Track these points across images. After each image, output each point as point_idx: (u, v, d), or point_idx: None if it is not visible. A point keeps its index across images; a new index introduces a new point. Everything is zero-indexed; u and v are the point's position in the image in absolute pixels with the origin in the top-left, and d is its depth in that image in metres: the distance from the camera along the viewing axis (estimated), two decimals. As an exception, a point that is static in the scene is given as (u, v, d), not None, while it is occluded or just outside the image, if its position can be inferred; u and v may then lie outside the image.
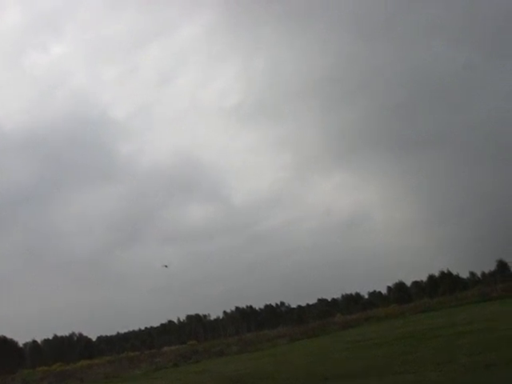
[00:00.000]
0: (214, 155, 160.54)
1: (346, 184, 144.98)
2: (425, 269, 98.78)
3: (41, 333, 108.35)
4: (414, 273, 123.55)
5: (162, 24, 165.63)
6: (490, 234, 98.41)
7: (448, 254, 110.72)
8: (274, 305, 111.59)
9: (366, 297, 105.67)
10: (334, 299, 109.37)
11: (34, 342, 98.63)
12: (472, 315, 30.69)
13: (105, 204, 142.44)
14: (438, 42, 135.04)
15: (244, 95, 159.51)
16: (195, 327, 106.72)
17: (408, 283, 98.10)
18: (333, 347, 27.68)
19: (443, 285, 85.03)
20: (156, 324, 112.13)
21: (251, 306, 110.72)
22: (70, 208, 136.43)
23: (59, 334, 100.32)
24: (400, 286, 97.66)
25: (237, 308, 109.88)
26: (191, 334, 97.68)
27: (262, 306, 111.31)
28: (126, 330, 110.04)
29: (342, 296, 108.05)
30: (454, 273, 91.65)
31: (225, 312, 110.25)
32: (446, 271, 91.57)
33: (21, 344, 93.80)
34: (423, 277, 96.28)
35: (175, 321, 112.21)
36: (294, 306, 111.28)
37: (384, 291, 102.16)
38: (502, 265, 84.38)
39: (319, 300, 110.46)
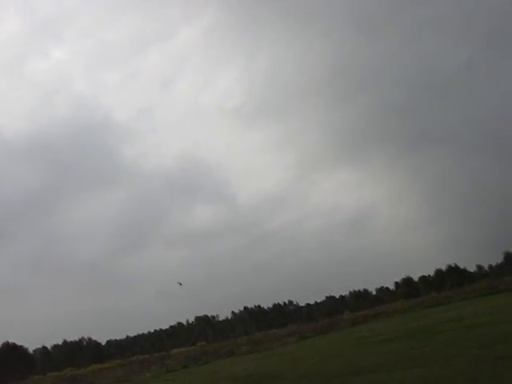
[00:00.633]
0: (217, 157, 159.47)
1: (351, 182, 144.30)
2: (432, 264, 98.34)
3: (50, 338, 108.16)
4: (421, 268, 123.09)
5: (162, 27, 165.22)
6: (497, 226, 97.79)
7: (455, 248, 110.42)
8: (282, 304, 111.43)
9: (374, 293, 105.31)
10: (342, 296, 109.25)
11: (44, 347, 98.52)
12: (480, 308, 30.59)
13: (110, 208, 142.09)
14: (441, 39, 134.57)
15: (246, 96, 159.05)
16: (204, 328, 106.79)
17: (415, 278, 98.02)
18: (342, 344, 27.80)
19: (450, 279, 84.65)
20: (165, 326, 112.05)
21: (259, 306, 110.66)
22: (75, 213, 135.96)
23: (69, 339, 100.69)
24: (407, 281, 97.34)
25: (245, 308, 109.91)
26: (200, 336, 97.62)
27: (270, 306, 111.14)
28: (135, 334, 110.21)
29: (350, 293, 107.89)
30: (461, 267, 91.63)
31: (233, 312, 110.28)
32: (453, 265, 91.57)
33: (31, 350, 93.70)
34: (430, 271, 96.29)
35: (184, 323, 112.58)
36: (302, 304, 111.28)
37: (392, 287, 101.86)
38: (509, 257, 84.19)
39: (327, 297, 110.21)
